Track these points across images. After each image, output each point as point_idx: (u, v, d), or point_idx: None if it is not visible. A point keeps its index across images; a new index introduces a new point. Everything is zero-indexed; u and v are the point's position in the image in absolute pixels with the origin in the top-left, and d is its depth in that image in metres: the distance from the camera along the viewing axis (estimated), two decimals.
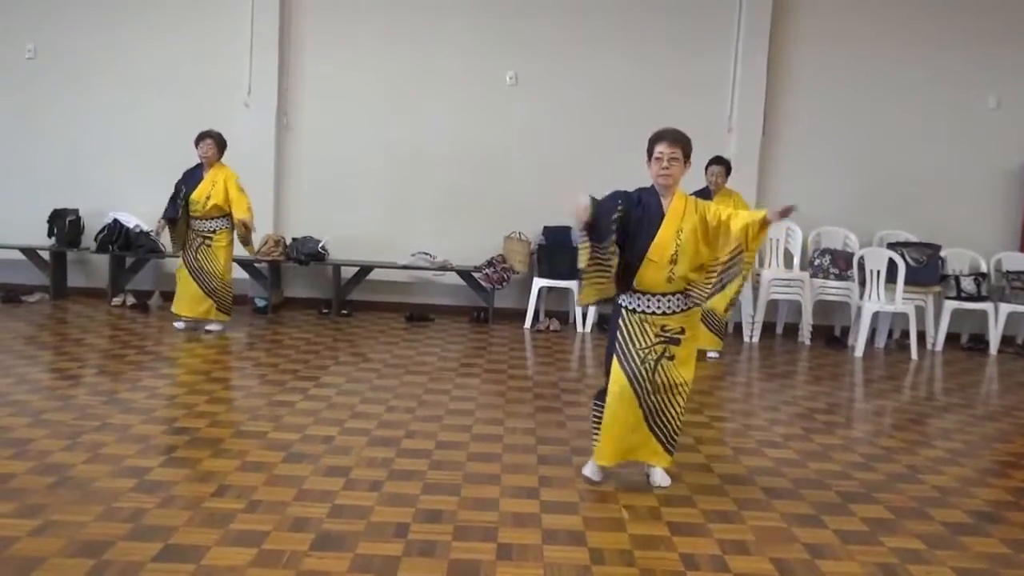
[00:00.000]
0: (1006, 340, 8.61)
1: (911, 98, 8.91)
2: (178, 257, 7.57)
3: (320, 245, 8.68)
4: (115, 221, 8.74)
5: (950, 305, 8.44)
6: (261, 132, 8.84)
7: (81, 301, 8.80)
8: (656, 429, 4.18)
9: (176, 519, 3.58)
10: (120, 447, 4.45)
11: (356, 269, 8.80)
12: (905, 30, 8.84)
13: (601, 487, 4.20)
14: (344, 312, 8.68)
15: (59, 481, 3.95)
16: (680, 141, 4.19)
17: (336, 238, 8.74)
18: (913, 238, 8.65)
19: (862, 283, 8.29)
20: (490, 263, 8.58)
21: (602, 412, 4.22)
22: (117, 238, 8.70)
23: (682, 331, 4.16)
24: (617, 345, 4.18)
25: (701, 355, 7.26)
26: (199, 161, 7.48)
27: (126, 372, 6.14)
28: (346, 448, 4.60)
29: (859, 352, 8.04)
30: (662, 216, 4.10)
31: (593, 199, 4.09)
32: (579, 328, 8.52)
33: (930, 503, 4.24)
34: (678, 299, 4.15)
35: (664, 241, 4.06)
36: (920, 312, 8.39)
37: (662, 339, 4.13)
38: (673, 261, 4.06)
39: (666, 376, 4.14)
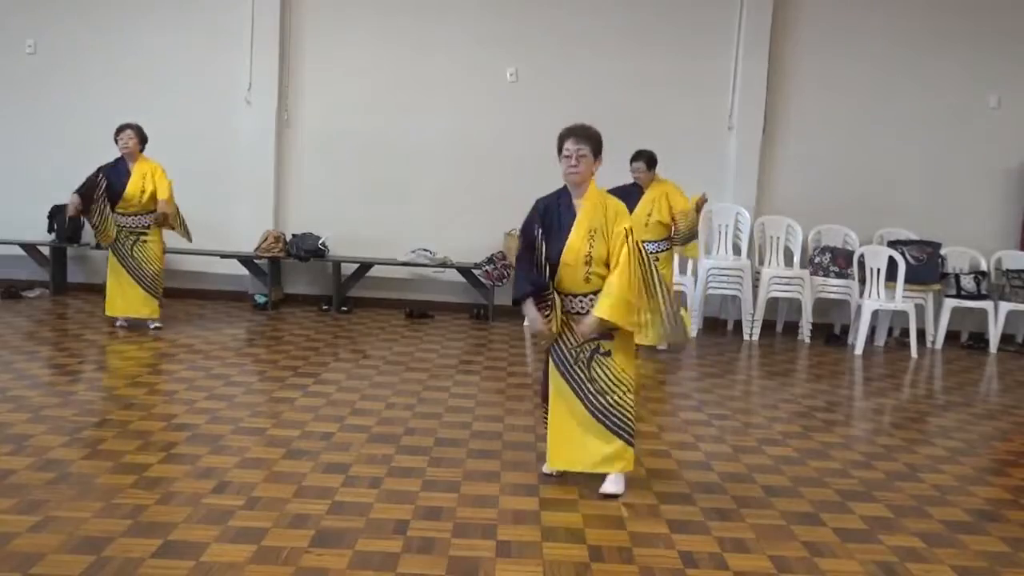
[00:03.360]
0: (1006, 338, 8.60)
1: (912, 96, 8.89)
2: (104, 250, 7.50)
3: (320, 241, 8.68)
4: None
5: (950, 303, 8.43)
6: (262, 129, 8.83)
7: (81, 297, 8.79)
8: (613, 426, 4.10)
9: (175, 515, 3.58)
10: (119, 443, 4.45)
11: (356, 266, 8.80)
12: (906, 29, 8.82)
13: (599, 485, 4.19)
14: (344, 309, 8.67)
15: (59, 477, 3.95)
16: (587, 137, 4.15)
17: (336, 234, 8.73)
18: (913, 236, 8.65)
19: (862, 281, 8.28)
20: (490, 260, 8.57)
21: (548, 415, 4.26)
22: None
23: (612, 328, 4.09)
24: (553, 347, 4.19)
25: (652, 351, 7.33)
26: (120, 155, 7.31)
27: (125, 368, 6.14)
28: (346, 445, 4.60)
29: (859, 350, 8.04)
30: (573, 217, 4.08)
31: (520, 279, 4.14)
32: None
33: (929, 501, 4.24)
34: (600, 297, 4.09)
35: (576, 244, 4.03)
36: (920, 310, 8.39)
37: (592, 336, 4.09)
38: (587, 262, 4.03)
39: (603, 372, 4.10)
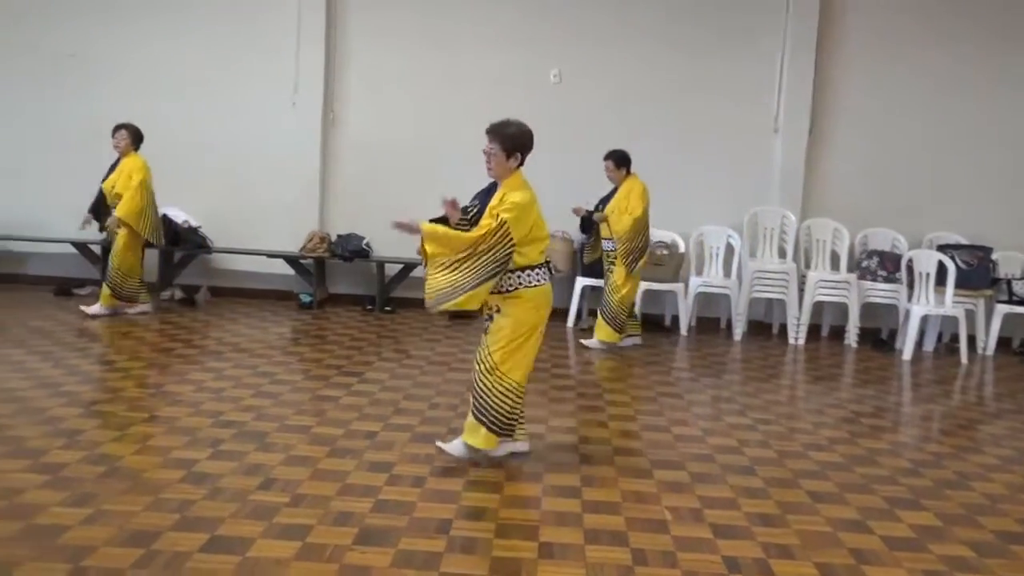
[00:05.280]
0: None
1: (961, 98, 8.75)
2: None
3: (364, 242, 8.74)
4: (164, 216, 8.84)
5: (1001, 309, 8.28)
6: (307, 130, 8.92)
7: None
8: (474, 403, 4.33)
9: (222, 511, 3.63)
10: (168, 439, 4.52)
11: (400, 266, 8.85)
12: (955, 29, 8.67)
13: (643, 488, 4.17)
14: (387, 309, 8.73)
15: (109, 471, 4.02)
16: (499, 137, 4.38)
17: (380, 235, 8.78)
18: (963, 241, 8.51)
19: (910, 286, 8.16)
20: None
21: None
22: (166, 233, 8.81)
23: (497, 310, 4.31)
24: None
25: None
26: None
27: (174, 365, 6.24)
28: (389, 444, 4.62)
29: (907, 355, 7.92)
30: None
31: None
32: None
33: (980, 510, 4.16)
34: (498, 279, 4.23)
35: (483, 222, 4.24)
36: (970, 316, 8.24)
37: (488, 317, 4.36)
38: None
39: (480, 351, 4.35)
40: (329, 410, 5.23)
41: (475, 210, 4.38)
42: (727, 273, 8.68)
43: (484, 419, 4.30)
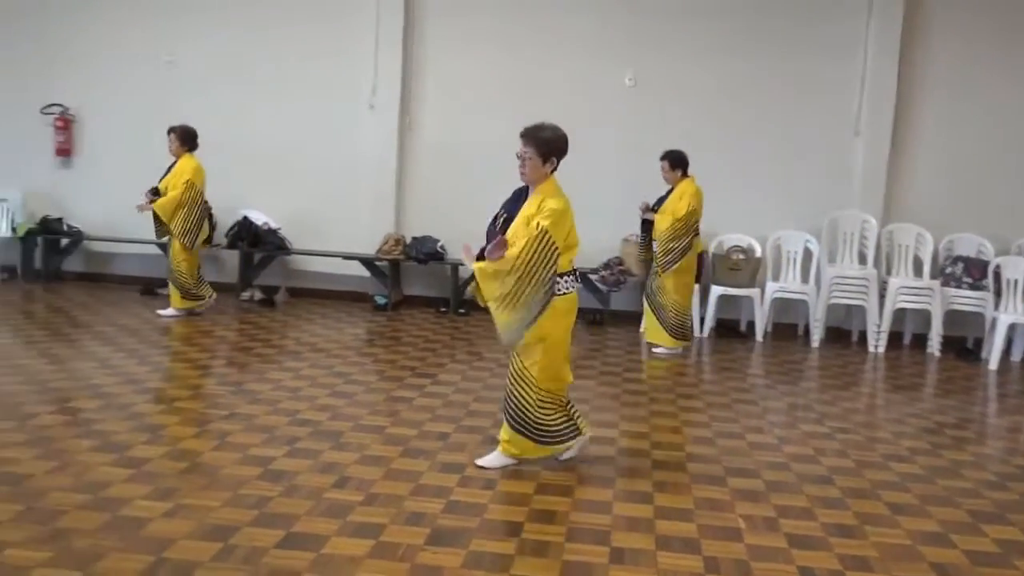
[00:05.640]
0: None
1: None
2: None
3: (439, 244, 8.81)
4: (245, 219, 9.07)
5: None
6: (384, 133, 9.03)
7: None
8: (509, 417, 4.30)
9: (298, 508, 3.69)
10: (246, 436, 4.62)
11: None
12: None
13: (717, 496, 4.12)
14: (461, 311, 8.78)
15: (190, 467, 4.13)
16: (534, 139, 4.28)
17: (455, 238, 8.84)
18: None
19: (998, 293, 7.90)
20: (607, 265, 8.54)
21: None
22: (246, 235, 9.03)
23: None
24: None
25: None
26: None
27: (253, 364, 6.37)
28: (461, 445, 4.65)
29: (993, 365, 7.66)
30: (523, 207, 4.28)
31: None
32: (696, 332, 8.40)
33: None
34: None
35: (515, 228, 4.22)
36: None
37: None
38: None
39: (511, 366, 4.30)
40: (403, 411, 5.28)
41: (503, 218, 4.35)
42: (805, 279, 8.52)
43: (526, 432, 4.28)
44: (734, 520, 3.84)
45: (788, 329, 8.73)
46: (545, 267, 4.12)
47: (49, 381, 5.48)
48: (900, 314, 8.33)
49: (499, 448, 4.37)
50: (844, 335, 8.64)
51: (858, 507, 4.09)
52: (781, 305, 8.62)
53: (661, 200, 7.46)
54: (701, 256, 7.93)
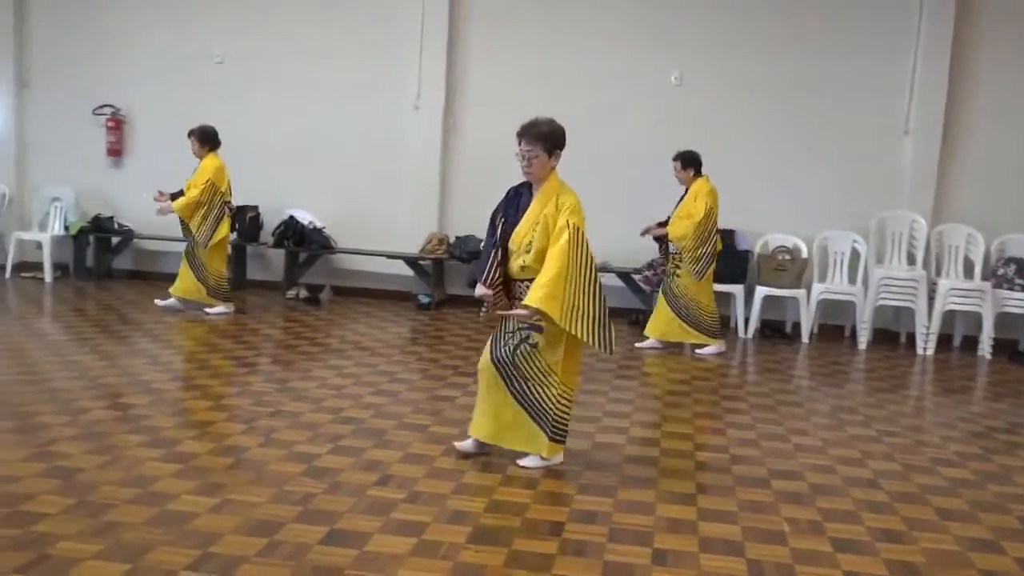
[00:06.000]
0: None
1: None
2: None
3: (482, 244, 8.82)
4: (291, 218, 9.17)
5: None
6: (429, 133, 9.09)
7: (258, 293, 9.28)
8: (532, 414, 4.23)
9: (342, 505, 3.73)
10: (291, 433, 4.67)
11: None
12: None
13: (761, 498, 4.09)
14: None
15: (236, 463, 4.18)
16: (538, 137, 4.18)
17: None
18: None
19: None
20: (650, 265, 8.47)
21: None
22: (292, 234, 9.13)
23: (541, 320, 4.14)
24: (496, 328, 4.38)
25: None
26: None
27: (298, 362, 6.44)
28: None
29: None
30: (527, 207, 4.24)
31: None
32: (740, 334, 8.33)
33: None
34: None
35: (521, 231, 4.20)
36: None
37: (524, 325, 4.20)
38: (527, 250, 4.16)
39: (527, 363, 4.20)
40: (445, 409, 5.31)
41: (502, 221, 4.32)
42: (852, 280, 8.41)
43: (549, 432, 4.25)
44: (778, 523, 3.81)
45: (834, 331, 8.63)
46: (589, 263, 4.11)
47: (100, 377, 5.59)
48: (950, 316, 8.19)
49: (531, 450, 4.31)
50: (892, 337, 8.52)
51: (906, 512, 4.03)
52: (827, 306, 8.52)
53: (679, 202, 7.41)
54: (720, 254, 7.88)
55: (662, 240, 7.51)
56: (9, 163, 9.96)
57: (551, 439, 4.27)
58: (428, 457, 4.40)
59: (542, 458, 4.30)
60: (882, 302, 8.20)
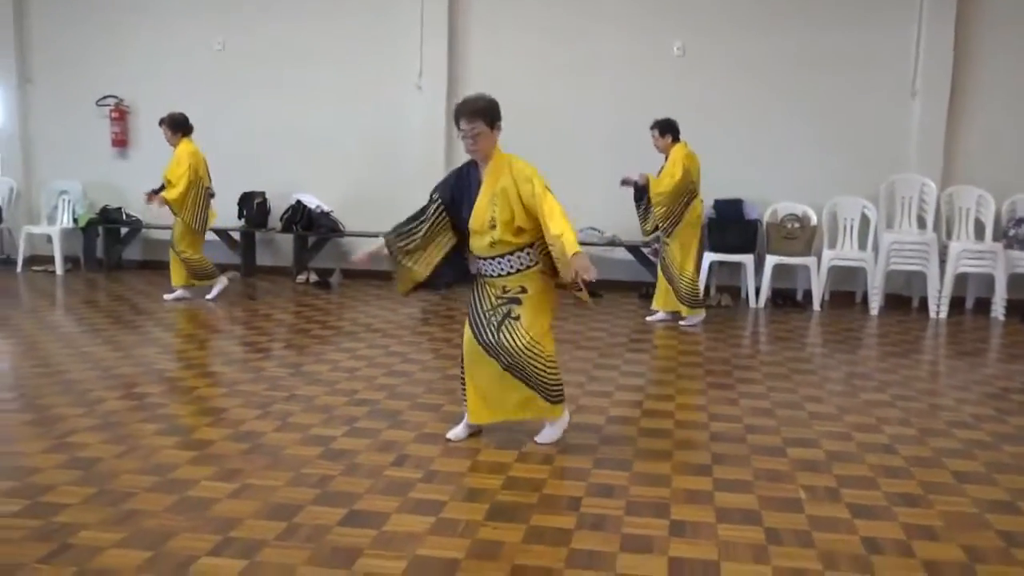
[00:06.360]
0: None
1: None
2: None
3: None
4: (298, 202, 9.18)
5: None
6: (432, 113, 9.06)
7: (268, 278, 9.31)
8: (526, 381, 4.21)
9: (359, 486, 3.75)
10: (306, 417, 4.69)
11: None
12: None
13: (777, 467, 4.09)
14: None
15: (252, 448, 4.21)
16: (478, 112, 4.16)
17: None
18: None
19: None
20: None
21: (464, 374, 4.34)
22: (300, 218, 9.15)
23: (523, 290, 4.18)
24: (469, 309, 4.32)
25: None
26: None
27: (311, 346, 6.46)
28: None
29: None
30: (479, 185, 4.15)
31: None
32: (751, 303, 8.32)
33: None
34: (509, 260, 4.16)
35: (480, 209, 4.11)
36: None
37: (503, 300, 4.20)
38: (492, 226, 4.09)
39: (511, 337, 4.15)
40: (458, 389, 5.29)
41: (438, 204, 4.27)
42: (862, 245, 8.38)
43: (545, 393, 4.25)
44: (795, 491, 3.81)
45: (846, 297, 8.61)
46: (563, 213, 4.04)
47: (115, 367, 5.62)
48: (962, 279, 8.16)
49: (532, 414, 4.33)
50: (904, 302, 8.49)
51: (922, 476, 4.03)
52: (838, 273, 8.50)
53: (659, 171, 7.40)
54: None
55: (641, 190, 7.43)
56: (16, 158, 10.00)
57: (551, 402, 4.28)
58: (443, 436, 4.41)
59: (550, 425, 4.33)
60: (893, 267, 8.17)
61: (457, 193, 4.25)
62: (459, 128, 4.21)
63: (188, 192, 7.75)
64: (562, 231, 3.94)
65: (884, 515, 3.58)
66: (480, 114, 4.17)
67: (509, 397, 4.28)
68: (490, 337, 4.21)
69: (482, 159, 4.22)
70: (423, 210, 4.35)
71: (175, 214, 7.86)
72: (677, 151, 7.23)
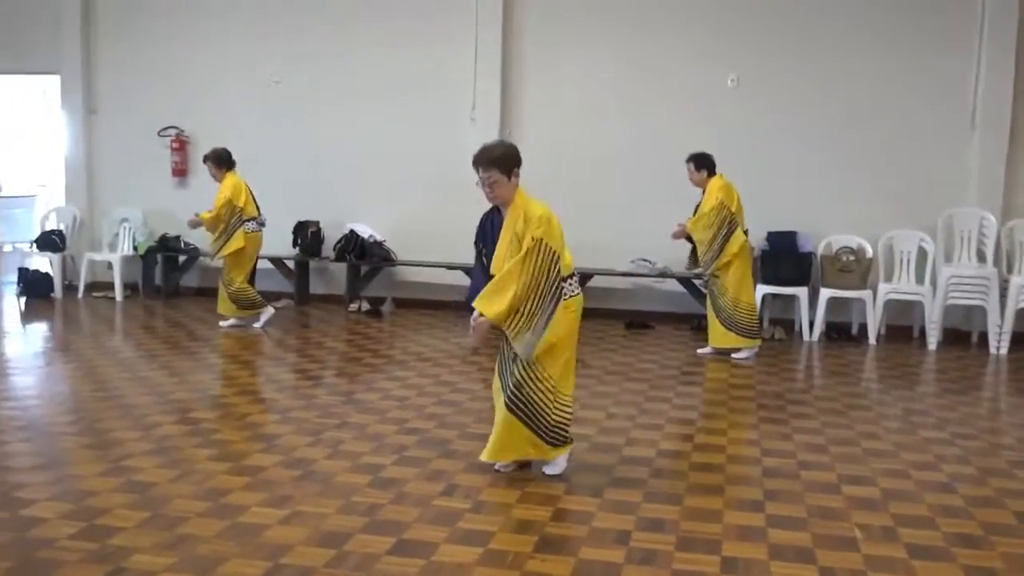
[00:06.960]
0: None
1: None
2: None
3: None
4: (352, 232, 9.29)
5: None
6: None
7: (321, 307, 9.41)
8: (524, 419, 4.18)
9: (408, 515, 3.75)
10: (357, 444, 4.72)
11: (577, 277, 8.86)
12: None
13: (831, 504, 4.01)
14: None
15: (304, 475, 4.24)
16: (492, 162, 4.20)
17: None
18: None
19: None
20: None
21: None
22: (353, 248, 9.25)
23: None
24: (500, 351, 4.37)
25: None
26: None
27: (362, 374, 6.51)
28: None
29: None
30: (501, 228, 4.25)
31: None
32: (805, 336, 8.20)
33: None
34: None
35: (500, 251, 4.21)
36: None
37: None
38: None
39: (521, 368, 4.17)
40: None
41: (482, 251, 4.37)
42: (920, 279, 8.23)
43: (547, 437, 4.23)
44: (850, 529, 3.73)
45: (902, 332, 8.45)
46: (547, 277, 4.09)
47: (170, 392, 5.71)
48: (1023, 314, 7.96)
49: (550, 457, 4.30)
50: (963, 337, 8.30)
51: (983, 516, 3.92)
52: (894, 307, 8.35)
53: (697, 206, 7.35)
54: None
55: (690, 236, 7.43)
56: (81, 187, 10.28)
57: (549, 444, 4.25)
58: (492, 467, 4.40)
59: (560, 459, 4.33)
60: (952, 301, 8.01)
61: (486, 234, 4.38)
62: (477, 175, 4.29)
63: (219, 219, 7.91)
64: (495, 286, 4.08)
65: (943, 556, 3.49)
66: (495, 163, 4.24)
67: (512, 439, 4.27)
68: (507, 367, 4.28)
69: (501, 205, 4.30)
70: (480, 264, 4.44)
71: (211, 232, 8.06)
72: (713, 184, 7.20)
